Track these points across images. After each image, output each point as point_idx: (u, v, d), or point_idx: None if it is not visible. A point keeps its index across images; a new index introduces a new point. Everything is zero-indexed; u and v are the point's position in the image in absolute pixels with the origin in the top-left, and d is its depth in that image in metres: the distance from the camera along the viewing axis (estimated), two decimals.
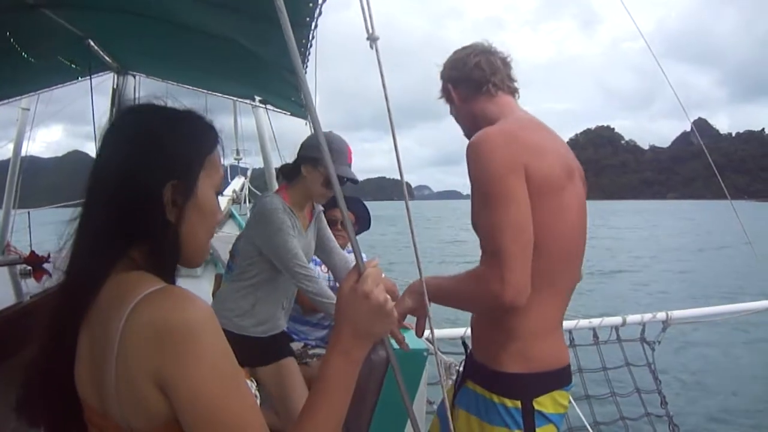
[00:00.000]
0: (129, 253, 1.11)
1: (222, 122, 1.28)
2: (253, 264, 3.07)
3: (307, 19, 2.90)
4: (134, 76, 6.84)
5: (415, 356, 2.85)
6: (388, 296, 1.17)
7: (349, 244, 3.18)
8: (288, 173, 3.16)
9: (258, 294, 3.08)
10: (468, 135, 2.10)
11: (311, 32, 3.20)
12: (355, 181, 3.14)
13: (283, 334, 3.30)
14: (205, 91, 7.10)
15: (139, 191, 1.09)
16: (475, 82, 2.10)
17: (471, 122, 2.13)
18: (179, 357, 0.96)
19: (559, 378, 1.95)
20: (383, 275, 1.20)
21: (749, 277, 19.58)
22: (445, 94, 2.21)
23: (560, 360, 1.97)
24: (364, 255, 1.23)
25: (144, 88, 6.96)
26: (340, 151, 3.07)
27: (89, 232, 1.13)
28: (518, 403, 1.85)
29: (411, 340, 2.03)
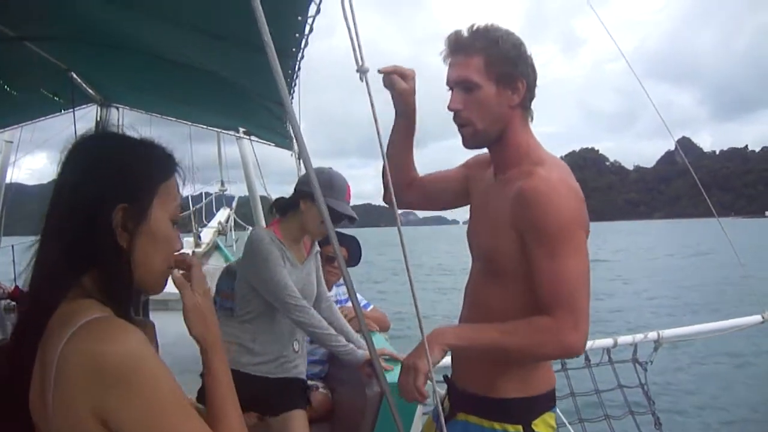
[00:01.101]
0: (81, 280, 1.11)
1: (207, 151, 1.27)
2: (247, 300, 3.02)
3: (293, 49, 2.88)
4: (117, 108, 6.84)
5: None
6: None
7: (341, 279, 3.15)
8: (282, 207, 3.12)
9: (256, 329, 3.01)
10: (482, 131, 1.89)
11: (297, 63, 3.18)
12: (353, 219, 3.10)
13: (297, 382, 3.16)
14: (189, 123, 7.10)
15: (88, 214, 1.09)
16: (532, 98, 1.94)
17: (500, 126, 1.89)
18: (120, 393, 0.96)
19: (550, 399, 1.98)
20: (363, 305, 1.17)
21: (739, 293, 19.60)
22: (506, 77, 1.85)
23: (551, 382, 2.00)
24: (359, 297, 1.19)
25: (128, 120, 6.95)
26: (340, 188, 3.04)
27: (42, 259, 1.13)
28: (519, 428, 1.87)
29: None
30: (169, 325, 8.73)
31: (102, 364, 0.95)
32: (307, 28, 2.54)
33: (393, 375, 2.37)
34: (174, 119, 7.11)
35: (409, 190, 2.26)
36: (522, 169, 1.86)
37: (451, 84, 1.89)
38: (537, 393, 1.92)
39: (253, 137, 7.30)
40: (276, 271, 2.85)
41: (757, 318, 4.98)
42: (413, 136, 2.20)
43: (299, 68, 3.33)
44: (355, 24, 1.30)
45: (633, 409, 4.75)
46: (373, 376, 2.91)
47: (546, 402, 1.95)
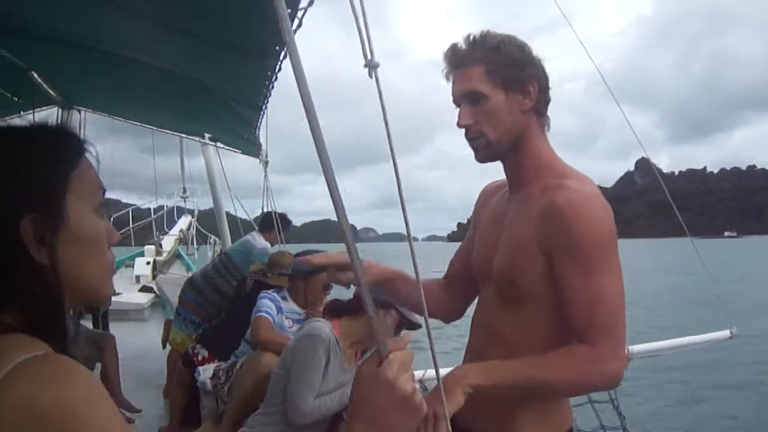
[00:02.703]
0: (1, 314, 0.89)
1: (170, 164, 1.07)
2: (280, 389, 2.90)
3: (276, 48, 2.75)
4: (80, 111, 6.64)
5: None
6: (416, 386, 0.98)
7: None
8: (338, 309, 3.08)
9: (285, 423, 2.86)
10: (495, 142, 1.75)
11: (279, 63, 3.05)
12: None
13: None
14: (152, 127, 6.94)
15: None
16: (546, 103, 1.80)
17: (514, 136, 1.76)
18: None
19: None
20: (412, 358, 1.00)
21: (707, 310, 19.90)
22: (515, 82, 1.73)
23: (568, 420, 1.85)
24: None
25: (89, 123, 6.75)
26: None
27: None
28: None
29: None
30: (131, 336, 8.46)
31: (43, 414, 0.75)
32: (296, 22, 2.42)
33: None
34: (137, 123, 6.94)
35: (451, 297, 2.12)
36: (545, 182, 1.70)
37: (457, 99, 1.77)
38: None
39: (218, 144, 7.14)
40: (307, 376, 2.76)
41: (726, 333, 4.99)
42: (405, 280, 1.95)
43: (280, 69, 3.20)
44: (364, 14, 1.18)
45: (604, 423, 4.70)
46: None
47: None
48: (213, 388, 3.81)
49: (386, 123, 1.20)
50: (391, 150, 1.21)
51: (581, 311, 1.58)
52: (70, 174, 0.94)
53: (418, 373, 1.69)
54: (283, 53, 2.82)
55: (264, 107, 4.22)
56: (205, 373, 3.95)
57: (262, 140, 6.05)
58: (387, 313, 3.55)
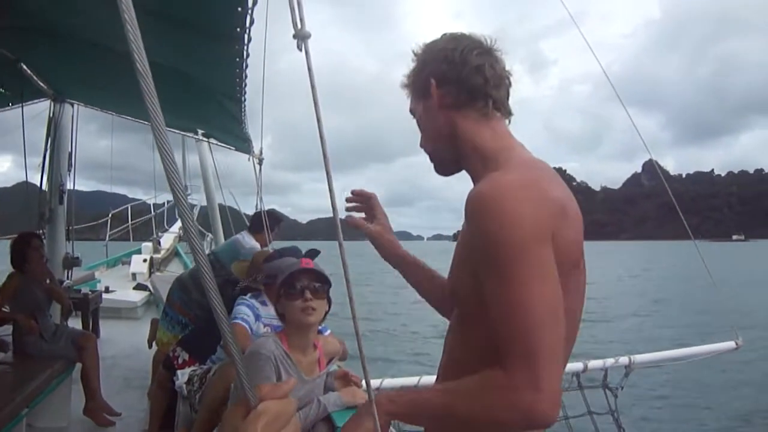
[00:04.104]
0: None
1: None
2: None
3: (238, 30, 2.60)
4: (72, 105, 6.52)
5: None
6: None
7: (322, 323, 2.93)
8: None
9: None
10: (435, 152, 1.67)
11: (245, 46, 2.90)
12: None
13: None
14: (146, 123, 6.82)
15: None
16: (469, 89, 1.56)
17: (447, 138, 1.62)
18: None
19: None
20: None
21: (713, 319, 19.66)
22: (421, 88, 1.63)
23: None
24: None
25: (96, 118, 6.69)
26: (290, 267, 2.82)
27: None
28: None
29: None
30: (122, 335, 8.37)
31: None
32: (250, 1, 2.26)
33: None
34: (131, 119, 6.82)
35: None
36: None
37: None
38: None
39: (212, 140, 7.02)
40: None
41: (731, 344, 4.87)
42: (421, 266, 1.96)
43: (248, 55, 3.04)
44: None
45: None
46: None
47: None
48: (187, 394, 3.65)
49: (315, 99, 1.12)
50: (318, 121, 1.19)
51: (497, 328, 1.30)
52: None
53: (375, 382, 1.49)
54: (246, 37, 2.67)
55: (243, 99, 4.07)
56: (183, 377, 3.79)
57: (254, 138, 5.92)
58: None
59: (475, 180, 1.57)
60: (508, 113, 1.61)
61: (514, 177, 1.37)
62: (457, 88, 1.57)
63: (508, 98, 1.61)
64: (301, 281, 2.72)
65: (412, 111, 1.69)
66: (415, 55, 1.65)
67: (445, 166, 1.68)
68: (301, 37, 1.12)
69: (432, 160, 1.69)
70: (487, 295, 1.32)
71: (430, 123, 1.64)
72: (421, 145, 1.69)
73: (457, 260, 1.57)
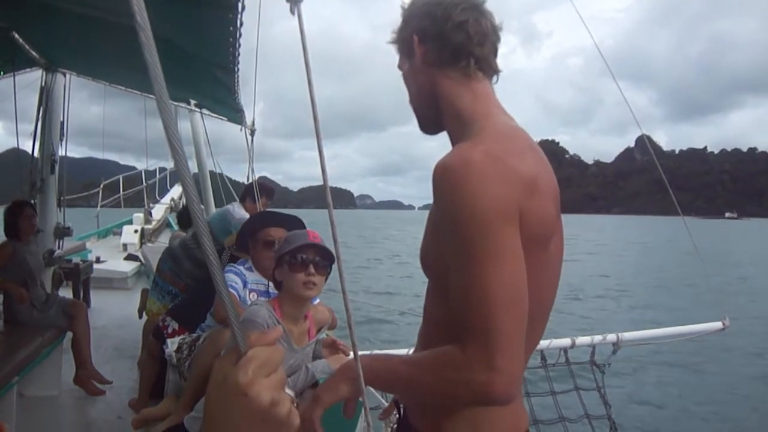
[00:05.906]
0: None
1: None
2: None
3: None
4: (65, 74, 6.46)
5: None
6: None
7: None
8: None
9: None
10: (417, 110, 1.67)
11: (239, 15, 2.87)
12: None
13: None
14: (138, 92, 6.77)
15: None
16: (452, 47, 1.54)
17: (428, 97, 1.61)
18: None
19: None
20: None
21: (701, 296, 19.77)
22: (405, 44, 1.63)
23: (519, 426, 1.55)
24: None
25: (87, 92, 6.65)
26: (298, 239, 2.81)
27: None
28: None
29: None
30: (112, 305, 8.41)
31: None
32: None
33: None
34: (123, 88, 6.76)
35: None
36: None
37: None
38: None
39: (204, 110, 6.97)
40: None
41: (718, 324, 4.88)
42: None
43: (242, 23, 3.00)
44: None
45: (589, 412, 4.61)
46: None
47: None
48: (177, 362, 3.68)
49: (307, 61, 1.13)
50: (309, 84, 1.20)
51: (455, 305, 1.30)
52: None
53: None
54: (240, 5, 2.65)
55: (236, 69, 4.04)
56: (172, 346, 3.81)
57: (245, 107, 5.88)
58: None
59: (453, 142, 1.56)
60: (493, 71, 1.60)
61: (480, 150, 1.33)
62: (440, 44, 1.55)
63: (495, 55, 1.59)
64: (307, 254, 2.74)
65: (399, 67, 1.69)
66: (403, 10, 1.64)
67: (427, 125, 1.68)
68: (294, 1, 1.12)
69: (417, 117, 1.69)
70: (450, 269, 1.32)
71: (413, 80, 1.64)
72: (413, 101, 1.69)
73: (427, 230, 1.56)
